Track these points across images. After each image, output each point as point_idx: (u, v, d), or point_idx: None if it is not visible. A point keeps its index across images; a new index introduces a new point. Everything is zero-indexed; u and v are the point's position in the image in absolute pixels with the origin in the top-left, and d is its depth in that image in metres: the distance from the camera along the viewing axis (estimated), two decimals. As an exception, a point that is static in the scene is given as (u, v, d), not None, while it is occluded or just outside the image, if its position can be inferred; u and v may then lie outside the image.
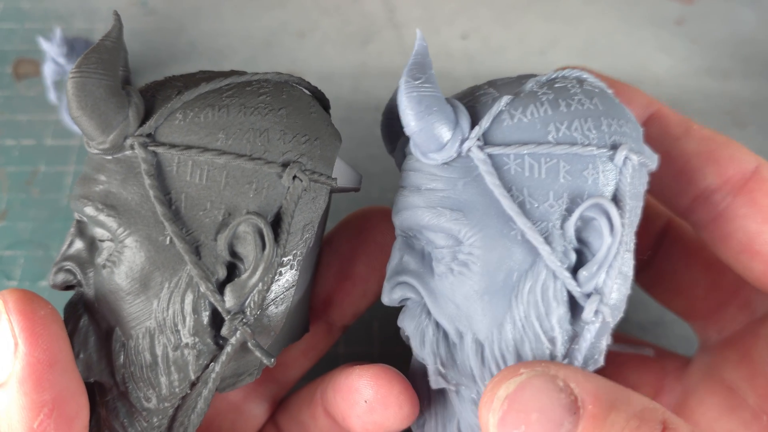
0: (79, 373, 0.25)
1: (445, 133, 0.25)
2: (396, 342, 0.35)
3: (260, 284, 0.26)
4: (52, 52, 0.46)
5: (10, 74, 0.50)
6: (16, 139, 0.48)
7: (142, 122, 0.26)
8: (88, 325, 0.27)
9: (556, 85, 0.27)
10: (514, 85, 0.28)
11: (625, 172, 0.26)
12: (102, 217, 0.26)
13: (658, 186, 0.32)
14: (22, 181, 0.46)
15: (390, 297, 0.28)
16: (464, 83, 0.30)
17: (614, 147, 0.26)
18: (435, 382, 0.27)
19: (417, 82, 0.25)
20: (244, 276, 0.26)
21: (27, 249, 0.44)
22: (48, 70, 0.47)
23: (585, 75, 0.28)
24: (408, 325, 0.28)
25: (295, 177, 0.26)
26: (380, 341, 0.42)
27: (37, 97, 0.49)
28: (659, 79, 0.51)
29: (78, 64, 0.25)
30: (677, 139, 0.31)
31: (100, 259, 0.27)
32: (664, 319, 0.41)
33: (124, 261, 0.26)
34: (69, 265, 0.27)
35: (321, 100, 0.30)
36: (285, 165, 0.26)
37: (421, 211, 0.26)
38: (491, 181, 0.25)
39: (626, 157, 0.26)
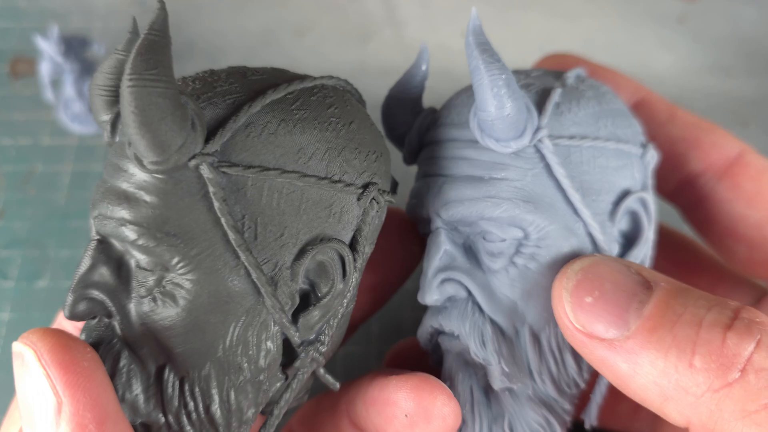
0: (128, 422, 0.22)
1: (521, 122, 0.24)
2: (395, 341, 0.34)
3: (339, 310, 0.25)
4: (48, 50, 0.46)
5: (6, 73, 0.50)
6: (12, 138, 0.47)
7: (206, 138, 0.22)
8: (130, 364, 0.24)
9: (587, 82, 0.27)
10: (548, 76, 0.27)
11: (650, 169, 0.27)
12: (161, 249, 0.22)
13: None
14: (18, 180, 0.46)
15: (439, 295, 0.27)
16: (464, 81, 0.30)
17: (644, 146, 0.27)
18: (500, 382, 0.26)
19: (499, 64, 0.23)
20: (323, 303, 0.24)
21: (23, 248, 0.43)
22: (45, 69, 0.47)
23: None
24: (460, 324, 0.26)
25: (372, 199, 0.25)
26: (380, 341, 0.41)
27: (33, 96, 0.49)
28: (661, 77, 0.51)
29: (135, 69, 0.20)
30: (663, 125, 0.31)
31: (143, 290, 0.23)
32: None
33: (185, 296, 0.23)
34: (95, 293, 0.23)
35: (361, 101, 0.28)
36: (364, 187, 0.25)
37: (490, 201, 0.25)
38: (560, 173, 0.25)
39: (653, 156, 0.27)
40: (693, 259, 0.34)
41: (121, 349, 0.24)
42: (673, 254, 0.35)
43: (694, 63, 0.52)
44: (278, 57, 0.51)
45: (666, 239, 0.35)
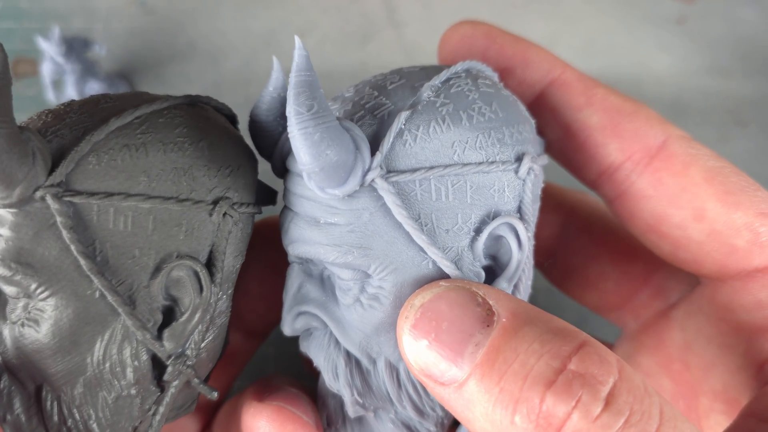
0: None
1: (346, 168, 0.23)
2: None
3: (200, 325, 0.26)
4: (50, 51, 0.46)
5: (8, 74, 0.50)
6: (14, 138, 0.47)
7: (50, 169, 0.23)
8: (9, 386, 0.25)
9: (452, 90, 0.25)
10: (405, 90, 0.25)
11: (528, 181, 0.25)
12: (18, 278, 0.23)
13: (561, 159, 0.30)
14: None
15: (292, 328, 0.27)
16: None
17: (518, 159, 0.25)
18: (354, 412, 0.27)
19: (310, 113, 0.22)
20: (183, 319, 0.25)
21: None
22: (46, 70, 0.47)
23: (477, 66, 0.27)
24: (316, 356, 0.27)
25: (225, 214, 0.25)
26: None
27: (35, 96, 0.49)
28: (660, 78, 0.51)
29: None
30: (579, 111, 0.29)
31: (14, 316, 0.25)
32: (586, 318, 0.40)
33: (47, 319, 0.24)
34: None
35: (229, 116, 0.29)
36: (214, 203, 0.25)
37: (323, 248, 0.25)
38: (398, 213, 0.24)
39: (530, 169, 0.25)
40: (628, 247, 0.33)
41: (1, 372, 0.25)
42: (608, 241, 0.34)
43: (693, 64, 0.52)
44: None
45: (602, 226, 0.34)
